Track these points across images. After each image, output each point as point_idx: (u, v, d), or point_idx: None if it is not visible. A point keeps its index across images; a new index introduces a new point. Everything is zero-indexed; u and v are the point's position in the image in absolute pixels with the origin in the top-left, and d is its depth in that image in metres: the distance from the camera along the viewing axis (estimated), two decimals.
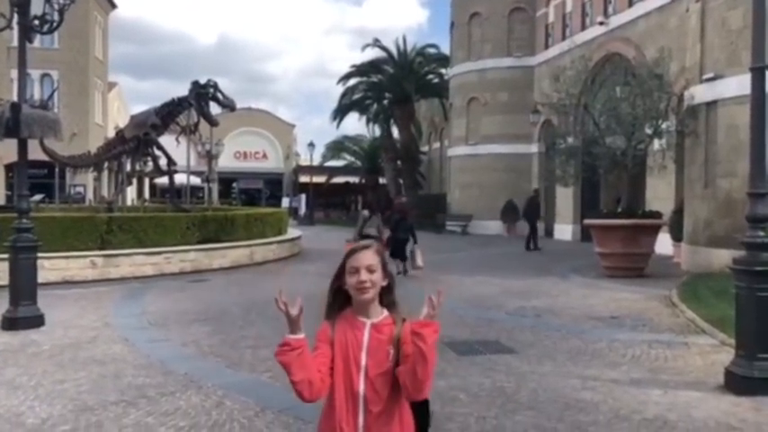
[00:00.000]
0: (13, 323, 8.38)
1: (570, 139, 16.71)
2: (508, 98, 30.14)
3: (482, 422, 5.00)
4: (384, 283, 2.47)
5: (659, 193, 19.32)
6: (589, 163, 16.14)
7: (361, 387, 2.38)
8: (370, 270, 2.42)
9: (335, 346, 2.43)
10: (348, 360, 2.40)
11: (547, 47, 28.83)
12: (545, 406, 5.38)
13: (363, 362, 2.39)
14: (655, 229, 14.58)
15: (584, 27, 25.59)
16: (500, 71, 30.39)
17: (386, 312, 2.48)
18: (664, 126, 14.97)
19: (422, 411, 2.55)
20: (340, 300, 2.50)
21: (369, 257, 2.44)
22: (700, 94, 14.44)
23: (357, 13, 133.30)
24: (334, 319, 2.48)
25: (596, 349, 7.45)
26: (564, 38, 26.66)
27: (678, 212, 16.30)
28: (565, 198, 26.21)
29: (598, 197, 23.31)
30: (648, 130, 14.84)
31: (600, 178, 19.81)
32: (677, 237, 16.25)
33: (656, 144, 15.62)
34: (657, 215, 15.04)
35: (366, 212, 15.83)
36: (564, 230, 26.71)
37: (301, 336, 2.34)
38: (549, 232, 28.29)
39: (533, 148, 29.57)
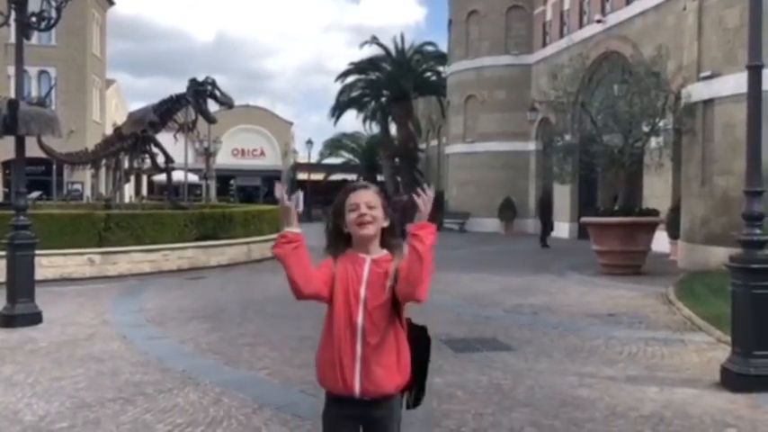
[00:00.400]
0: (10, 320, 8.38)
1: (568, 137, 16.73)
2: (506, 96, 30.15)
3: (479, 419, 5.02)
4: (385, 224, 2.52)
5: (656, 191, 19.35)
6: (586, 161, 16.17)
7: (360, 318, 2.44)
8: (370, 206, 2.47)
9: (336, 279, 2.48)
10: (348, 292, 2.45)
11: (544, 45, 28.84)
12: (542, 403, 5.40)
13: (362, 294, 2.45)
14: (652, 227, 14.62)
15: (581, 25, 25.61)
16: (498, 69, 30.39)
17: (386, 251, 2.54)
18: (661, 124, 15.00)
19: (421, 342, 2.64)
20: (341, 242, 2.54)
21: (368, 195, 2.50)
22: (697, 92, 14.47)
23: (355, 10, 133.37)
24: (336, 257, 2.53)
25: (593, 346, 7.47)
26: (561, 36, 26.68)
27: (675, 210, 16.34)
28: (562, 196, 26.23)
29: (595, 195, 23.36)
30: (646, 128, 14.87)
31: (597, 176, 19.87)
32: (674, 234, 16.30)
33: (654, 142, 15.65)
34: (654, 213, 15.09)
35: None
36: (561, 228, 26.72)
37: (298, 230, 2.43)
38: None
39: (531, 146, 29.61)
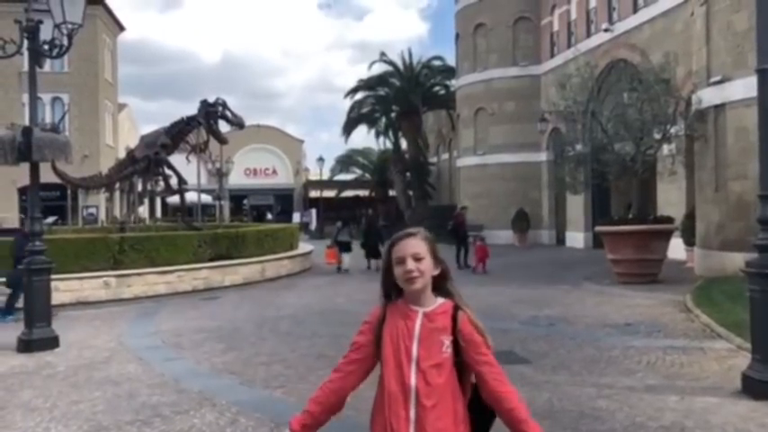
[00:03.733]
0: (28, 345, 8.44)
1: (579, 147, 16.67)
2: (515, 107, 30.15)
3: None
4: (436, 272, 2.33)
5: (670, 198, 19.22)
6: (598, 170, 16.11)
7: (413, 379, 2.23)
8: (417, 258, 2.27)
9: (385, 336, 2.30)
10: (399, 350, 2.26)
11: (552, 55, 28.85)
12: (560, 415, 5.35)
13: (415, 352, 2.24)
14: (667, 235, 14.50)
15: (589, 34, 25.61)
16: (506, 81, 30.42)
17: (440, 300, 2.33)
18: (672, 131, 14.92)
19: (486, 410, 2.35)
20: (392, 287, 2.35)
21: (413, 245, 2.30)
22: (707, 97, 14.40)
23: (358, 27, 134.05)
24: (385, 308, 2.34)
25: (611, 357, 7.40)
26: (569, 46, 26.69)
27: (690, 217, 16.21)
28: (575, 206, 26.13)
29: (609, 204, 23.23)
30: (657, 135, 14.80)
31: (610, 185, 19.74)
32: (690, 241, 16.16)
33: (666, 149, 15.57)
34: (669, 220, 14.97)
35: (339, 223, 20.98)
36: (575, 238, 26.60)
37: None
38: (561, 240, 28.20)
39: (542, 157, 29.54)
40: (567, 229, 27.64)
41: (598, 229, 15.59)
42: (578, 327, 9.40)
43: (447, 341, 2.25)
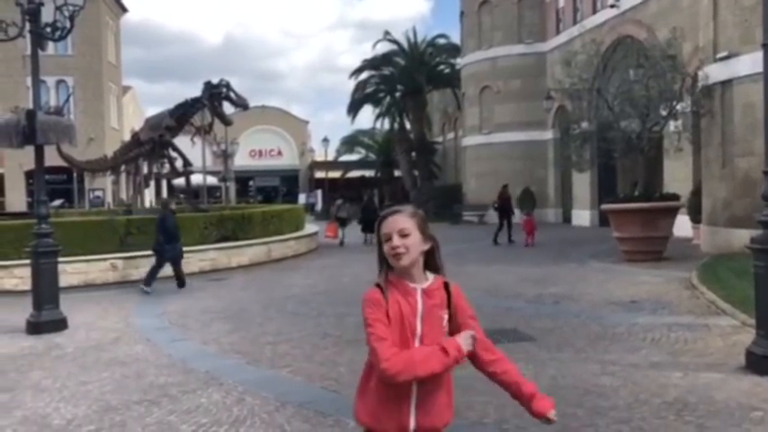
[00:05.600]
0: (37, 327, 8.51)
1: (584, 124, 16.59)
2: (521, 85, 29.98)
3: (501, 410, 5.00)
4: (425, 247, 2.33)
5: (677, 175, 19.14)
6: (604, 147, 16.05)
7: None
8: (403, 234, 2.28)
9: (390, 314, 2.29)
10: (404, 327, 2.28)
11: (558, 32, 28.61)
12: (564, 392, 5.37)
13: (419, 329, 2.28)
14: (673, 212, 14.46)
15: (594, 11, 25.36)
16: (512, 58, 30.22)
17: (432, 276, 2.37)
18: (679, 107, 14.82)
19: None
20: (387, 267, 2.36)
21: (400, 221, 2.30)
22: (714, 73, 14.28)
23: (360, 6, 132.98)
24: (384, 287, 2.32)
25: (616, 334, 7.42)
26: (575, 22, 26.45)
27: (696, 194, 16.15)
28: (581, 184, 26.06)
29: (615, 182, 23.15)
30: (663, 112, 14.70)
31: (616, 162, 19.66)
32: (696, 218, 16.12)
33: (672, 126, 15.47)
34: (675, 197, 14.91)
35: (339, 201, 23.33)
36: (581, 216, 26.57)
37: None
38: (567, 218, 28.17)
39: (548, 135, 29.42)
40: (574, 207, 27.60)
41: (604, 206, 15.56)
42: (583, 304, 9.42)
43: (445, 316, 2.33)
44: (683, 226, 16.31)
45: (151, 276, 12.04)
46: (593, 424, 4.66)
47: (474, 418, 4.81)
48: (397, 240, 2.27)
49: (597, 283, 11.43)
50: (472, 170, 32.64)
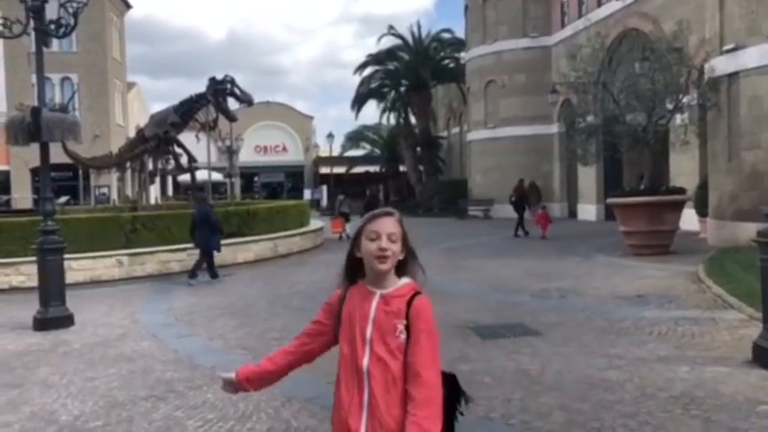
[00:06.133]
0: (43, 324, 8.55)
1: (590, 118, 16.53)
2: (526, 79, 29.89)
3: (507, 404, 5.01)
4: (401, 257, 2.26)
5: (683, 169, 19.06)
6: (610, 141, 15.98)
7: (366, 361, 2.17)
8: (392, 239, 2.22)
9: (344, 317, 2.26)
10: (354, 332, 2.21)
11: (563, 26, 28.50)
12: (570, 387, 5.37)
13: (368, 334, 2.19)
14: (679, 206, 14.41)
15: (599, 3, 25.22)
16: (517, 52, 30.13)
17: (402, 282, 2.26)
18: (685, 100, 14.76)
19: (448, 395, 2.25)
20: (356, 270, 2.30)
21: (391, 225, 2.25)
22: (720, 65, 14.20)
23: (363, 0, 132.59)
24: (346, 290, 2.30)
25: (622, 328, 7.40)
26: (580, 16, 26.33)
27: (703, 187, 16.08)
28: (587, 178, 25.99)
29: (621, 175, 23.08)
30: (669, 105, 14.64)
31: (622, 156, 19.59)
32: (703, 212, 16.05)
33: (678, 119, 15.41)
34: (681, 191, 14.86)
35: (341, 197, 24.29)
36: (587, 210, 26.50)
37: (231, 376, 2.47)
38: (573, 213, 28.11)
39: (554, 129, 29.33)
40: (579, 201, 27.53)
41: (610, 200, 15.51)
42: (589, 299, 9.40)
43: (401, 326, 2.16)
44: (689, 220, 16.25)
45: (211, 268, 12.71)
46: (598, 418, 4.65)
47: (480, 414, 4.80)
48: (385, 242, 2.21)
49: (603, 277, 11.41)
50: (477, 165, 32.58)
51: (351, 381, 2.20)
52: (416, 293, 2.22)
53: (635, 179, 18.81)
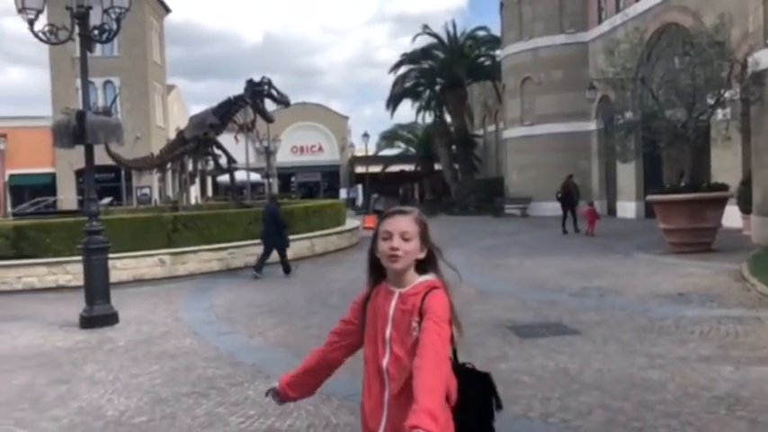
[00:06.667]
0: (89, 321, 8.78)
1: (629, 114, 16.29)
2: (563, 76, 29.57)
3: (546, 403, 4.99)
4: (421, 255, 2.22)
5: (725, 165, 18.65)
6: (649, 138, 15.74)
7: (386, 361, 2.17)
8: (405, 238, 2.18)
9: (367, 318, 2.27)
10: (376, 332, 2.23)
11: (600, 21, 28.12)
12: (610, 386, 5.32)
13: (388, 334, 2.19)
14: (721, 202, 14.11)
15: None
16: (553, 49, 29.82)
17: (420, 279, 2.23)
18: (727, 95, 14.44)
19: (479, 395, 2.24)
20: (378, 269, 2.28)
21: (405, 223, 2.21)
22: (765, 59, 13.87)
23: (397, 0, 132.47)
24: (371, 290, 2.31)
25: (663, 327, 7.30)
26: (617, 11, 25.92)
27: (746, 183, 15.73)
28: (626, 175, 25.61)
29: (660, 172, 22.67)
30: (710, 101, 14.34)
31: (661, 153, 19.26)
32: (746, 209, 15.69)
33: (719, 114, 15.08)
34: (723, 188, 14.54)
35: (376, 195, 25.92)
36: (626, 208, 26.12)
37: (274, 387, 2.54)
38: (612, 210, 27.72)
39: (591, 126, 28.96)
40: (618, 198, 27.14)
41: (650, 198, 15.27)
42: (629, 297, 9.28)
43: (414, 323, 2.15)
44: (732, 216, 15.90)
45: (285, 264, 13.39)
46: (640, 418, 4.61)
47: (518, 412, 4.80)
48: (397, 242, 2.18)
49: (643, 275, 11.24)
50: (514, 163, 32.35)
51: (373, 381, 2.22)
52: (432, 289, 2.19)
53: (675, 176, 18.46)
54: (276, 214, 13.46)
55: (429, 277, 2.24)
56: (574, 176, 27.38)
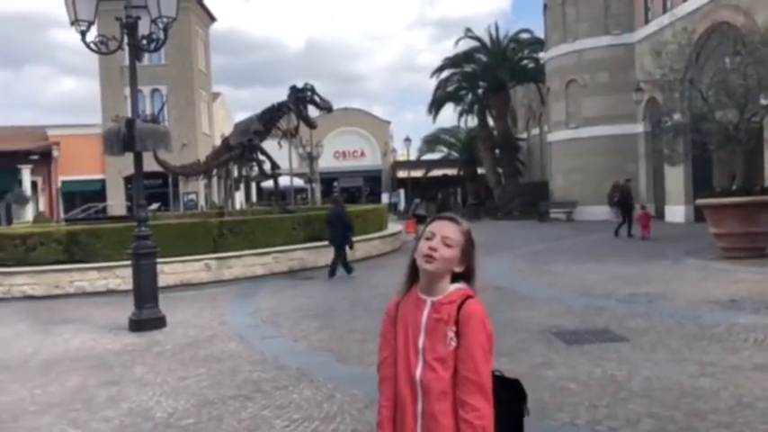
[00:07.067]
0: (138, 325, 8.98)
1: (677, 116, 15.92)
2: (608, 78, 29.12)
3: (593, 411, 4.90)
4: (459, 269, 2.19)
5: None
6: (699, 140, 15.35)
7: (419, 371, 2.14)
8: (446, 243, 2.15)
9: (399, 326, 2.23)
10: (407, 341, 2.18)
11: (647, 21, 27.60)
12: (660, 394, 5.20)
13: (421, 344, 2.15)
14: None
15: None
16: (598, 50, 29.40)
17: (453, 287, 2.19)
18: None
19: (511, 402, 2.22)
20: (415, 273, 2.25)
21: (450, 229, 2.18)
22: None
23: (438, 4, 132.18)
24: (403, 296, 2.26)
25: (714, 334, 7.11)
26: (665, 11, 25.42)
27: None
28: (675, 178, 25.04)
29: (711, 175, 22.09)
30: (764, 101, 13.92)
31: (711, 155, 18.79)
32: None
33: None
34: None
35: (417, 200, 25.83)
36: (675, 212, 25.53)
37: None
38: (660, 214, 27.13)
39: (638, 128, 28.43)
40: (667, 202, 26.55)
41: (699, 201, 14.90)
42: (679, 303, 9.06)
43: (451, 333, 2.11)
44: None
45: (345, 264, 13.80)
46: (691, 427, 4.49)
47: (565, 420, 4.73)
48: (436, 242, 2.15)
49: (693, 281, 10.97)
50: (559, 166, 31.95)
51: (405, 390, 2.17)
52: (468, 298, 2.16)
53: (726, 179, 17.97)
54: (342, 216, 13.92)
55: (461, 285, 2.21)
56: (620, 180, 27.02)
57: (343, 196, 51.63)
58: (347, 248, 13.95)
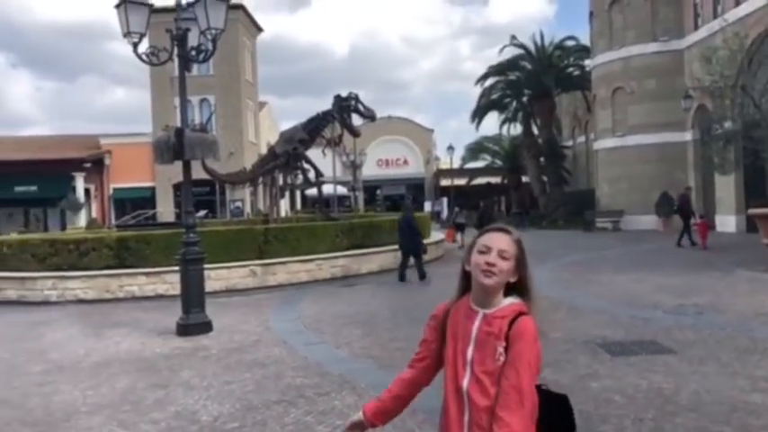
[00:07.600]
0: (185, 329, 9.16)
1: (728, 124, 15.56)
2: (656, 85, 28.58)
3: (639, 424, 4.82)
4: (513, 279, 2.18)
5: None
6: (751, 147, 14.98)
7: (466, 382, 2.14)
8: (503, 256, 2.15)
9: (448, 334, 2.23)
10: (456, 351, 2.18)
11: (696, 27, 27.02)
12: (709, 408, 5.08)
13: (470, 356, 2.15)
14: None
15: (737, 3, 23.69)
16: (646, 57, 28.90)
17: (507, 301, 2.18)
18: None
19: (558, 417, 2.18)
20: (465, 283, 2.25)
21: (505, 242, 2.18)
22: None
23: (482, 12, 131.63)
24: (452, 304, 2.27)
25: (767, 348, 6.90)
26: (715, 16, 24.86)
27: None
28: (725, 187, 24.41)
29: (763, 184, 21.48)
30: None
31: (764, 163, 18.27)
32: None
33: None
34: None
35: (458, 208, 26.20)
36: (726, 222, 24.87)
37: (359, 418, 2.42)
38: (710, 224, 26.45)
39: (687, 136, 27.81)
40: (717, 212, 25.87)
41: (752, 211, 14.51)
42: (729, 316, 8.83)
43: (500, 348, 2.10)
44: None
45: (420, 270, 14.05)
46: None
47: None
48: (494, 257, 2.14)
49: (745, 293, 10.68)
50: (605, 175, 31.45)
51: (453, 400, 2.17)
52: (521, 314, 2.14)
53: None
54: (411, 222, 14.24)
55: (515, 300, 2.20)
56: (669, 189, 26.51)
57: (386, 204, 52.13)
58: (420, 254, 14.26)
